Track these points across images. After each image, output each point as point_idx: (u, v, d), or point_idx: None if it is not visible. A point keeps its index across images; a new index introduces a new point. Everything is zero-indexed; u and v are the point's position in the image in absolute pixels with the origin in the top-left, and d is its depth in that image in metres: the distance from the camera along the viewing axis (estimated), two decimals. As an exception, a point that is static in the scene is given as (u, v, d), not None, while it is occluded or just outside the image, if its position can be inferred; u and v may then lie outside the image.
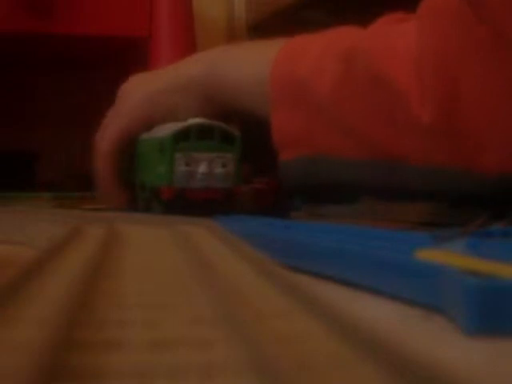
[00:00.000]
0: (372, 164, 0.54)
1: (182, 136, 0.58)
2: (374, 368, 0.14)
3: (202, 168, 0.57)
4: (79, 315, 0.18)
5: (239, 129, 0.61)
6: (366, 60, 0.53)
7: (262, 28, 1.25)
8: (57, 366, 0.13)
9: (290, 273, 0.23)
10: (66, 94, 1.49)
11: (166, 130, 0.61)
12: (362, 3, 0.95)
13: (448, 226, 0.38)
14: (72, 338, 0.16)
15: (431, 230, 0.40)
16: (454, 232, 0.35)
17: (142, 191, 0.64)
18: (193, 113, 0.61)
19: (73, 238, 0.34)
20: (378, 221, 0.69)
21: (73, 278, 0.22)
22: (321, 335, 0.16)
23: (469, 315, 0.22)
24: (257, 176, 0.69)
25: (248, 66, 0.61)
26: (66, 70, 1.45)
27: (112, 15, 1.16)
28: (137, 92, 0.66)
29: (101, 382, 0.13)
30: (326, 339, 0.16)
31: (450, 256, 0.27)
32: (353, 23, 0.59)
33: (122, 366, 0.14)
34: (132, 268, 0.27)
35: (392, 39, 0.53)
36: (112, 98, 0.71)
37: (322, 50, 0.56)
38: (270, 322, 0.18)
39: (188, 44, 1.12)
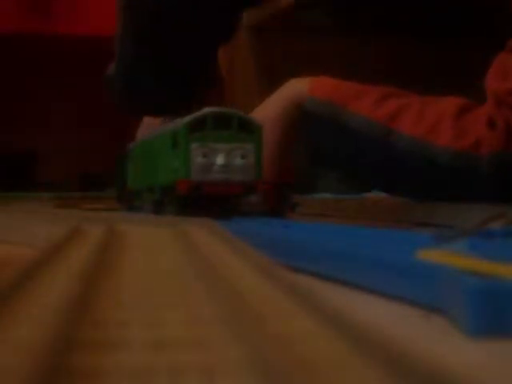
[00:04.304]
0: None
1: (197, 125, 0.53)
2: (374, 368, 0.14)
3: (220, 159, 0.53)
4: (79, 315, 0.18)
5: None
6: None
7: (261, 28, 1.26)
8: (57, 365, 0.13)
9: (290, 273, 0.23)
10: (66, 95, 1.49)
11: (163, 128, 0.61)
12: (360, 4, 0.95)
13: (448, 226, 0.38)
14: (72, 338, 0.16)
15: (432, 230, 0.40)
16: (454, 232, 0.35)
17: (152, 194, 0.62)
18: None
19: (73, 238, 0.34)
20: (378, 221, 0.69)
21: (73, 278, 0.22)
22: (321, 335, 0.16)
23: (469, 316, 0.22)
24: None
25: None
26: (65, 71, 1.45)
27: (112, 16, 1.16)
28: None
29: (101, 382, 0.13)
30: (325, 339, 0.16)
31: (450, 256, 0.27)
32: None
33: (122, 366, 0.14)
34: (132, 268, 0.27)
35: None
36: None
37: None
38: (270, 322, 0.18)
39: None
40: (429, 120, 0.64)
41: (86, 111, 1.47)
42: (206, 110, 0.55)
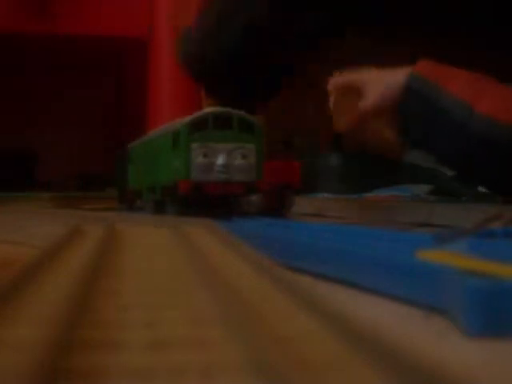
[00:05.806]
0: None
1: (198, 125, 0.53)
2: (374, 368, 0.14)
3: (221, 160, 0.53)
4: (79, 315, 0.18)
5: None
6: None
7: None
8: (57, 365, 0.13)
9: (290, 273, 0.23)
10: (66, 95, 1.49)
11: (164, 129, 0.61)
12: (361, 4, 0.95)
13: (448, 226, 0.38)
14: (72, 337, 0.16)
15: (432, 230, 0.40)
16: (454, 232, 0.35)
17: (152, 194, 0.62)
18: None
19: (73, 238, 0.34)
20: (377, 221, 0.69)
21: (73, 278, 0.22)
22: (321, 335, 0.16)
23: (470, 316, 0.22)
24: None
25: None
26: (65, 71, 1.45)
27: (112, 16, 1.16)
28: None
29: (101, 382, 0.13)
30: (325, 339, 0.16)
31: (451, 256, 0.27)
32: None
33: (122, 366, 0.14)
34: (132, 268, 0.27)
35: None
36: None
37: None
38: (270, 321, 0.18)
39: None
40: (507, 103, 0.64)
41: (85, 111, 1.47)
42: (207, 109, 0.55)
